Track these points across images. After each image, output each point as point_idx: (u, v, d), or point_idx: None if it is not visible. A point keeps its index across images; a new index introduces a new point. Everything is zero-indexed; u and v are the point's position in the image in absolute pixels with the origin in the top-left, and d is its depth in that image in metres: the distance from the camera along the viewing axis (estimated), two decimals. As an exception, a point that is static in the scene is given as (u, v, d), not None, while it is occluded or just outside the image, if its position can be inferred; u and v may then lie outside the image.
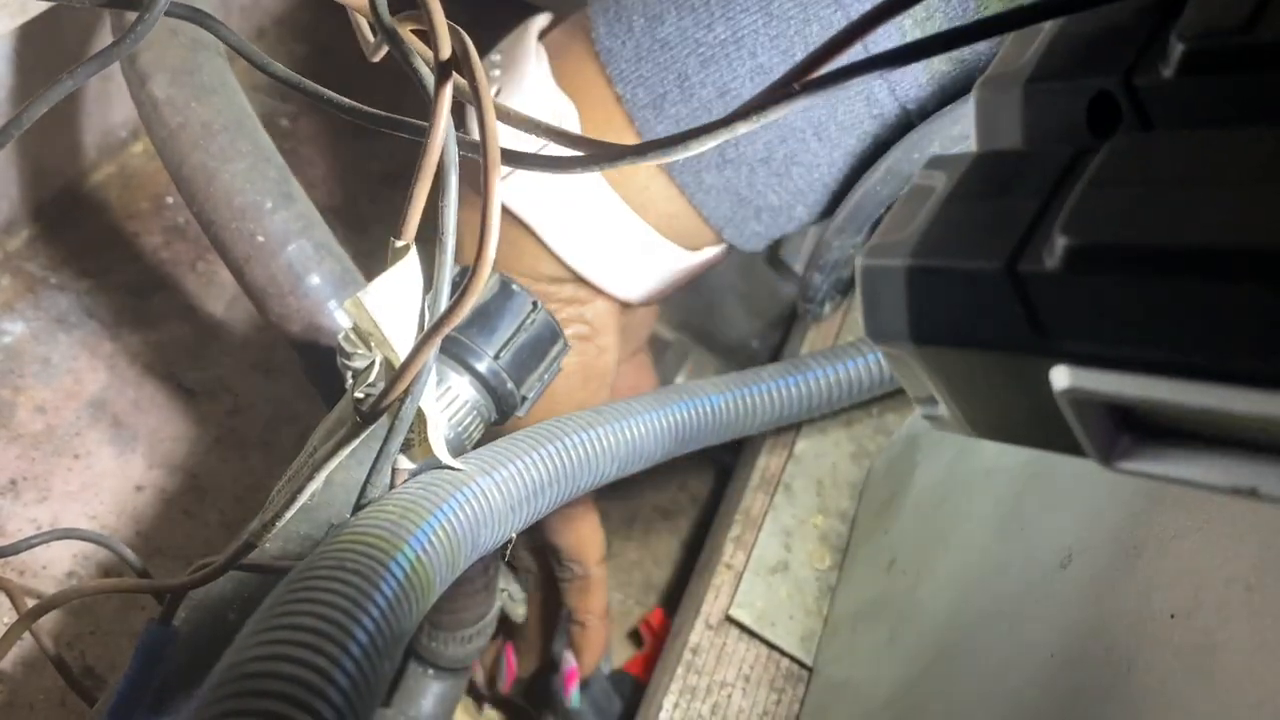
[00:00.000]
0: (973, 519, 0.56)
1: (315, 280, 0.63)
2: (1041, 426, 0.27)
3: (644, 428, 0.60)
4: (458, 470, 0.46)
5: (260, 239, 0.62)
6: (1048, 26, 0.32)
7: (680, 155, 0.31)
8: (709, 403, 0.66)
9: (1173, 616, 0.35)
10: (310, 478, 0.37)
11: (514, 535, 0.51)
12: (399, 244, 0.35)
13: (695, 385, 0.67)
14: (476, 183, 0.32)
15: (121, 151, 0.92)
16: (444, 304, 0.35)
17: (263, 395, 0.84)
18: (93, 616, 0.70)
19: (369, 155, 0.99)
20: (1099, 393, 0.24)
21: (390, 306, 0.35)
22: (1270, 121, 0.25)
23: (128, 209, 0.90)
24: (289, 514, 0.38)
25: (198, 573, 0.45)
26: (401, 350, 0.36)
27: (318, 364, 0.63)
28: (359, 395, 0.37)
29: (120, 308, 0.84)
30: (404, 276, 0.35)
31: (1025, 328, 0.25)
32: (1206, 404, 0.22)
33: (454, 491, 0.45)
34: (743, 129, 0.30)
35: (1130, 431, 0.25)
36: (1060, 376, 0.24)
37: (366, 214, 0.96)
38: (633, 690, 0.87)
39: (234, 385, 0.84)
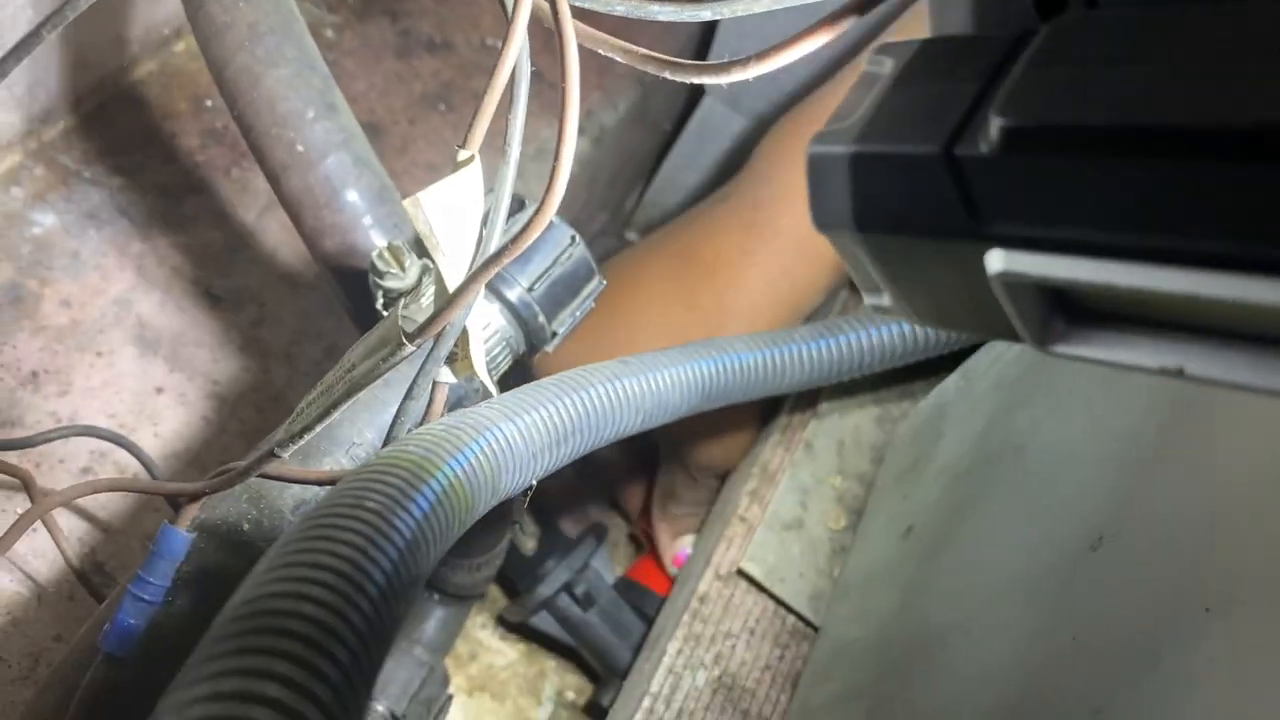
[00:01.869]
0: (998, 493, 0.55)
1: (352, 195, 0.61)
2: (979, 312, 0.27)
3: (670, 380, 0.59)
4: (493, 392, 0.45)
5: (300, 148, 0.60)
6: None
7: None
8: (738, 360, 0.65)
9: (1208, 610, 0.35)
10: (346, 395, 0.36)
11: (534, 482, 0.50)
12: (464, 154, 0.34)
13: (725, 341, 0.66)
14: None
15: (164, 49, 0.90)
16: (503, 214, 0.34)
17: (289, 308, 0.83)
18: (106, 515, 0.70)
19: (412, 75, 0.97)
20: (1031, 275, 0.24)
21: (449, 213, 0.34)
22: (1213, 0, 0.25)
23: (166, 108, 0.89)
24: (319, 428, 0.37)
25: (217, 478, 0.44)
26: (452, 259, 0.35)
27: (349, 280, 0.63)
28: (403, 315, 0.36)
29: (152, 208, 0.83)
30: (465, 186, 0.34)
31: (961, 212, 0.26)
32: (1133, 283, 0.22)
33: (477, 436, 0.44)
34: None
35: (1064, 315, 0.26)
36: (994, 260, 0.25)
37: (405, 134, 0.94)
38: (639, 596, 0.87)
39: (261, 295, 0.83)
